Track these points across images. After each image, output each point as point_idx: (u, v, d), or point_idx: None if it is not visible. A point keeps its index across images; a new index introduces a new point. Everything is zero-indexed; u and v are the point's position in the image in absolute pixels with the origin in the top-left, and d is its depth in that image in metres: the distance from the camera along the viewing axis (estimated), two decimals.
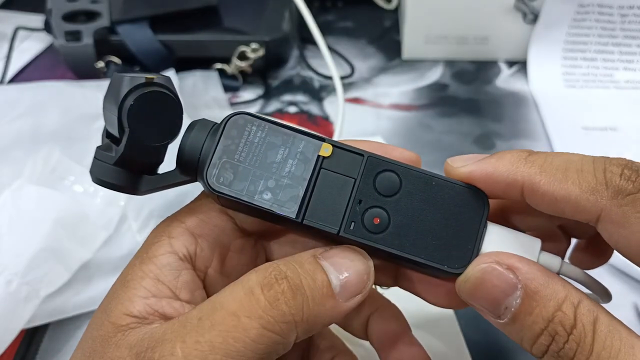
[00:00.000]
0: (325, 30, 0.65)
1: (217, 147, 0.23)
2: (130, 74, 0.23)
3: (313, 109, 0.59)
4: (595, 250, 0.29)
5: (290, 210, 0.23)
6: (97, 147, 0.24)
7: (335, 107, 0.57)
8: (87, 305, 0.39)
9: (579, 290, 0.22)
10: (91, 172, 0.23)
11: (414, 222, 0.24)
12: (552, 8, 0.59)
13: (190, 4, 0.59)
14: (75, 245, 0.39)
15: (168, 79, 0.23)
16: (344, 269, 0.23)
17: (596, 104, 0.58)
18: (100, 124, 0.48)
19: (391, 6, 0.68)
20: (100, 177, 0.23)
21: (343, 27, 0.60)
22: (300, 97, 0.60)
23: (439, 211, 0.24)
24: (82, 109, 0.48)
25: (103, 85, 0.52)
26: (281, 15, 0.61)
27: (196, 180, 0.25)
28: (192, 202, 0.26)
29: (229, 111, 0.56)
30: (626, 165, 0.21)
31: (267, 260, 0.28)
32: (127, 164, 0.23)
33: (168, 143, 0.24)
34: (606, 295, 0.25)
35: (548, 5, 0.60)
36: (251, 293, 0.21)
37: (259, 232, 0.28)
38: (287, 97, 0.60)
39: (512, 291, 0.21)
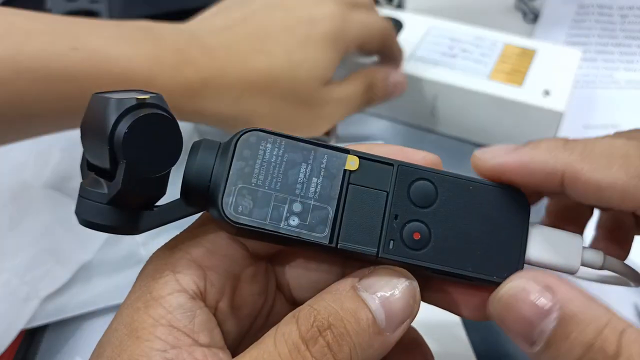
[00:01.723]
0: None
1: (230, 172, 0.21)
2: (114, 94, 0.20)
3: None
4: (615, 242, 0.28)
5: (322, 235, 0.21)
6: (81, 184, 0.20)
7: None
8: (86, 306, 0.39)
9: (623, 317, 0.19)
10: (77, 213, 0.20)
11: (455, 233, 0.22)
12: (552, 8, 0.60)
13: (190, 3, 0.59)
14: (75, 246, 0.39)
15: (160, 97, 0.20)
16: (388, 298, 0.21)
17: (597, 104, 0.58)
18: None
19: (392, 7, 0.68)
20: (91, 219, 0.20)
21: None
22: None
23: (479, 218, 0.22)
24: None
25: None
26: None
27: (205, 210, 0.22)
28: (193, 226, 0.24)
29: None
30: None
31: (279, 285, 0.26)
32: (124, 202, 0.20)
33: (169, 170, 0.21)
34: None
35: (548, 5, 0.60)
36: (297, 350, 0.19)
37: (270, 255, 0.26)
38: None
39: (548, 313, 0.19)
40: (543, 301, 0.19)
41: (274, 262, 0.26)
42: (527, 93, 0.50)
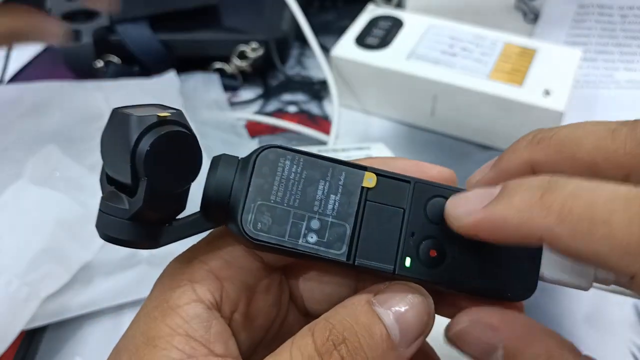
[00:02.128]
0: (325, 30, 0.65)
1: (250, 189, 0.21)
2: (135, 110, 0.20)
3: (313, 108, 0.59)
4: None
5: (339, 252, 0.21)
6: (102, 198, 0.20)
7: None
8: (87, 306, 0.39)
9: (569, 351, 0.21)
10: (98, 227, 0.20)
11: (470, 250, 0.22)
12: (552, 8, 0.60)
13: (190, 3, 0.59)
14: (76, 246, 0.39)
15: (180, 113, 0.20)
16: (403, 313, 0.21)
17: (597, 104, 0.58)
18: (100, 124, 0.47)
19: (391, 6, 0.68)
20: (112, 233, 0.20)
21: (343, 27, 0.60)
22: (300, 97, 0.60)
23: None
24: (82, 110, 0.48)
25: (104, 85, 0.52)
26: (281, 14, 0.61)
27: (223, 225, 0.22)
28: (211, 236, 0.24)
29: (229, 113, 0.56)
30: None
31: (292, 296, 0.26)
32: (144, 217, 0.20)
33: (189, 186, 0.21)
34: None
35: (548, 5, 0.60)
36: None
37: (284, 267, 0.26)
38: (287, 97, 0.60)
39: (493, 349, 0.21)
40: (488, 339, 0.21)
41: (288, 274, 0.26)
42: (527, 93, 0.50)
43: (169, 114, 0.20)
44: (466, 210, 0.20)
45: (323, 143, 0.53)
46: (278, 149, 0.22)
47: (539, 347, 0.20)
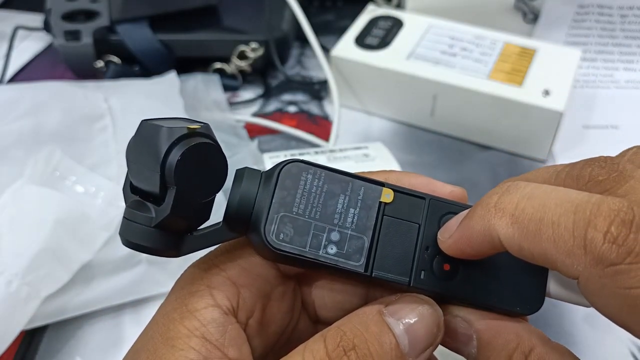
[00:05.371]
0: (325, 30, 0.65)
1: (273, 200, 0.22)
2: (165, 123, 0.20)
3: (313, 108, 0.59)
4: None
5: (358, 264, 0.22)
6: (127, 206, 0.21)
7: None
8: (87, 306, 0.39)
9: (537, 336, 0.22)
10: (121, 234, 0.21)
11: (482, 265, 0.23)
12: (552, 8, 0.60)
13: (190, 3, 0.59)
14: (76, 246, 0.39)
15: (208, 126, 0.21)
16: (412, 324, 0.22)
17: (597, 104, 0.58)
18: (101, 125, 0.47)
19: (391, 6, 0.68)
20: (135, 240, 0.20)
21: (343, 27, 0.60)
22: (300, 97, 0.60)
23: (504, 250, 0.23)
24: (83, 110, 0.48)
25: (104, 85, 0.52)
26: (281, 14, 0.61)
27: (244, 235, 0.23)
28: (228, 244, 0.24)
29: (229, 114, 0.56)
30: (618, 215, 0.17)
31: (304, 304, 0.27)
32: (170, 226, 0.20)
33: (214, 196, 0.22)
34: None
35: (548, 5, 0.60)
36: None
37: (298, 274, 0.26)
38: (287, 97, 0.60)
39: (468, 340, 0.23)
40: (462, 331, 0.23)
41: (301, 282, 0.27)
42: (527, 93, 0.50)
43: (198, 127, 0.20)
44: (449, 232, 0.22)
45: (322, 145, 0.53)
46: (301, 163, 0.22)
47: (508, 335, 0.22)
